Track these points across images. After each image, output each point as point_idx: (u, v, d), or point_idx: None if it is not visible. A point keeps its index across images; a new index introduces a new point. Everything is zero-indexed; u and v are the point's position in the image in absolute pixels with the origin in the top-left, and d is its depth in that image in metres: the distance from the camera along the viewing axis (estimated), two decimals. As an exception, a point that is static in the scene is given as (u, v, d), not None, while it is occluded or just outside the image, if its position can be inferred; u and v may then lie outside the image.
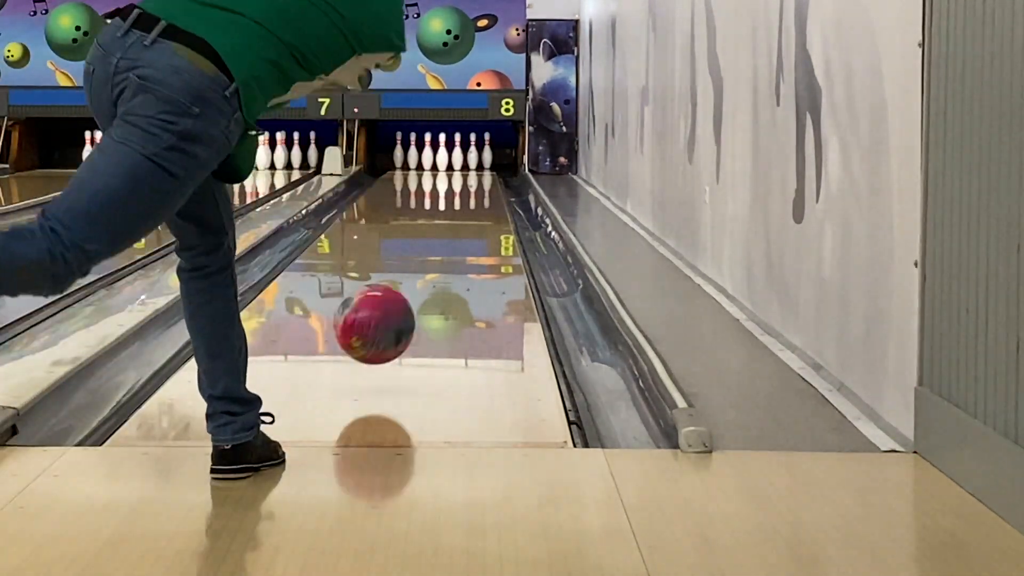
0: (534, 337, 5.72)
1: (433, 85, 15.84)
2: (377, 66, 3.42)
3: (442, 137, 15.91)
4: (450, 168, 15.83)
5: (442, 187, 14.51)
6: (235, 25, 3.06)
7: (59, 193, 3.06)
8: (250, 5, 3.09)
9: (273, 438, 3.41)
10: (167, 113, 2.98)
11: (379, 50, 3.31)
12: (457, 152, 15.92)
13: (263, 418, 3.37)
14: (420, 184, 14.92)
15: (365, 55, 3.30)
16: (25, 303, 6.63)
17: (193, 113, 2.99)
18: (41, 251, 2.91)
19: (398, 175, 15.66)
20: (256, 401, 3.35)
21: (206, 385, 3.34)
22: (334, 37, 3.20)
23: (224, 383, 3.31)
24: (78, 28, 15.78)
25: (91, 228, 2.96)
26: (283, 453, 3.41)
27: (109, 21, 3.12)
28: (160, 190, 3.00)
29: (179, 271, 3.35)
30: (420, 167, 15.93)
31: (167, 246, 7.23)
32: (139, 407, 4.28)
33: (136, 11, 3.08)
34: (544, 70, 15.58)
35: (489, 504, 3.17)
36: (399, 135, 16.04)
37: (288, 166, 15.84)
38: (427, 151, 15.93)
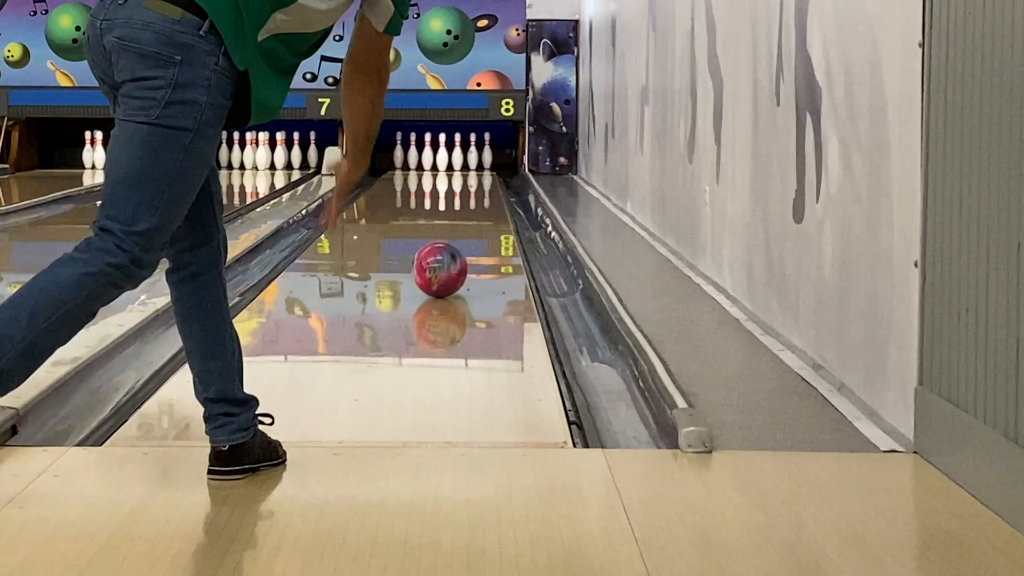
0: (534, 337, 5.72)
1: (433, 85, 15.83)
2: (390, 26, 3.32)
3: (442, 137, 15.90)
4: (450, 168, 15.83)
5: (442, 187, 14.51)
6: None
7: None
8: None
9: (273, 438, 3.41)
10: (150, 69, 3.03)
11: None
12: (457, 152, 15.92)
13: (262, 419, 3.37)
14: (420, 184, 14.92)
15: None
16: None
17: (175, 61, 3.03)
18: (97, 257, 3.04)
19: (398, 175, 15.66)
20: (252, 401, 3.35)
21: (200, 388, 3.32)
22: None
23: (218, 385, 3.29)
24: (78, 28, 15.77)
25: (134, 210, 3.04)
26: (284, 453, 3.41)
27: None
28: (179, 147, 3.06)
29: (167, 274, 3.33)
30: (420, 167, 15.92)
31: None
32: (139, 407, 4.28)
33: None
34: (544, 70, 15.58)
35: (489, 504, 3.17)
36: (399, 135, 16.04)
37: (288, 166, 15.84)
38: (427, 151, 15.93)
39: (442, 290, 6.31)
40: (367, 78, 3.46)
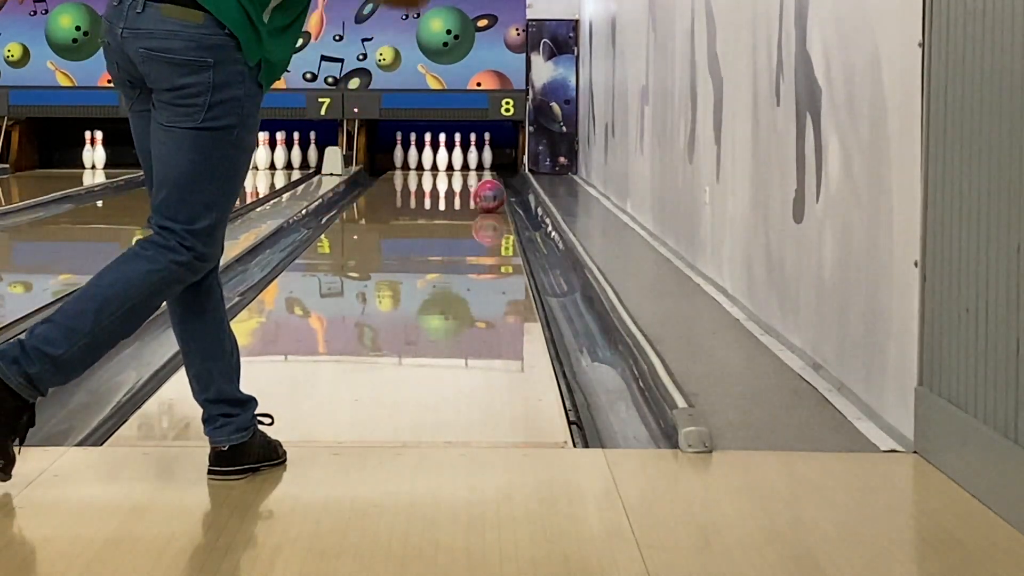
0: (534, 337, 5.72)
1: (433, 85, 15.83)
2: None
3: (442, 137, 15.90)
4: (450, 168, 15.83)
5: (442, 187, 14.51)
6: None
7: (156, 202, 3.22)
8: None
9: (273, 438, 3.41)
10: (186, 77, 3.08)
11: None
12: (457, 152, 15.92)
13: (261, 419, 3.37)
14: (420, 184, 14.92)
15: None
16: (25, 302, 6.63)
17: (209, 64, 3.08)
18: (161, 255, 3.13)
19: (398, 175, 15.66)
20: (251, 402, 3.35)
21: (198, 390, 3.33)
22: None
23: (217, 386, 3.30)
24: (78, 28, 15.77)
25: (193, 209, 3.14)
26: (284, 452, 3.41)
27: None
28: (228, 144, 3.14)
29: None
30: (420, 167, 15.92)
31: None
32: (139, 407, 4.28)
33: None
34: (544, 70, 15.58)
35: (489, 504, 3.17)
36: (399, 135, 16.04)
37: (288, 166, 15.84)
38: (427, 151, 15.93)
39: (484, 209, 10.74)
40: None
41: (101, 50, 3.28)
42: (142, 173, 3.35)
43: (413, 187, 14.73)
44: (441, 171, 15.77)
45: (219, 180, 3.16)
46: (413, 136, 16.00)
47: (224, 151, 3.14)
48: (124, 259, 3.16)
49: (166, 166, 3.15)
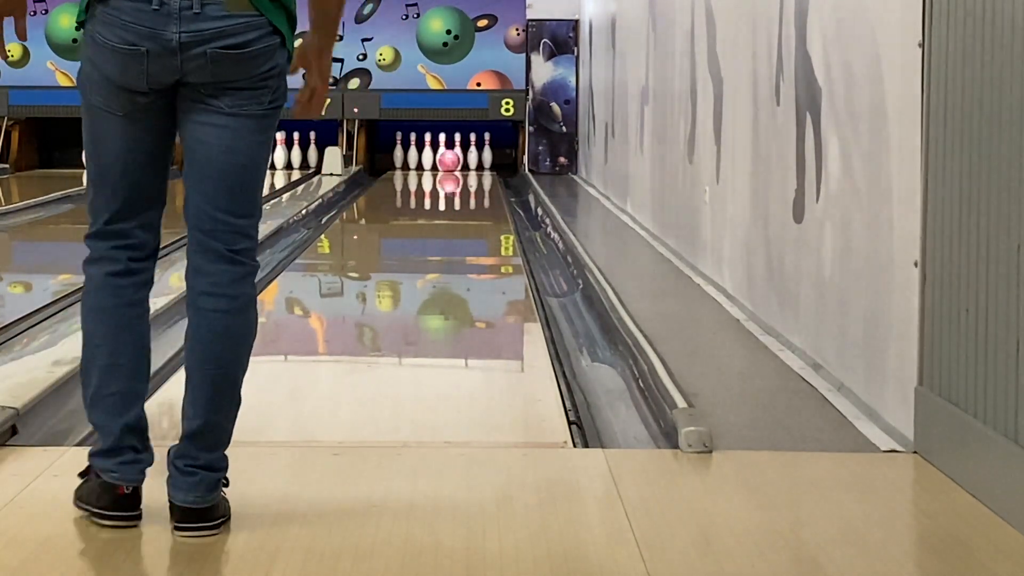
0: (534, 337, 5.72)
1: (433, 85, 15.84)
2: None
3: (442, 137, 15.91)
4: (451, 168, 15.84)
5: (442, 187, 14.51)
6: None
7: (219, 212, 2.99)
8: None
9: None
10: (263, 64, 2.95)
11: None
12: (457, 152, 15.92)
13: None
14: (420, 184, 14.92)
15: None
16: (25, 302, 6.63)
17: (276, 46, 2.97)
18: (248, 277, 3.00)
19: (398, 175, 15.66)
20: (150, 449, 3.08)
21: (118, 412, 3.00)
22: None
23: (138, 412, 3.02)
24: (78, 28, 15.77)
25: (257, 200, 3.08)
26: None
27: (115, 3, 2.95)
28: (275, 128, 3.10)
29: (119, 276, 3.05)
30: (420, 167, 15.93)
31: (166, 246, 7.22)
32: (139, 407, 4.27)
33: None
34: (544, 70, 15.58)
35: (489, 504, 3.17)
36: (399, 135, 16.04)
37: (288, 166, 15.84)
38: (427, 151, 15.94)
39: None
40: None
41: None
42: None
43: (413, 187, 14.73)
44: (441, 171, 15.78)
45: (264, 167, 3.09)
46: (413, 136, 16.00)
47: (273, 135, 3.08)
48: (244, 309, 2.96)
49: (233, 156, 2.98)
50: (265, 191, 13.93)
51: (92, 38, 2.98)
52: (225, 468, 2.97)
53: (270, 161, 3.14)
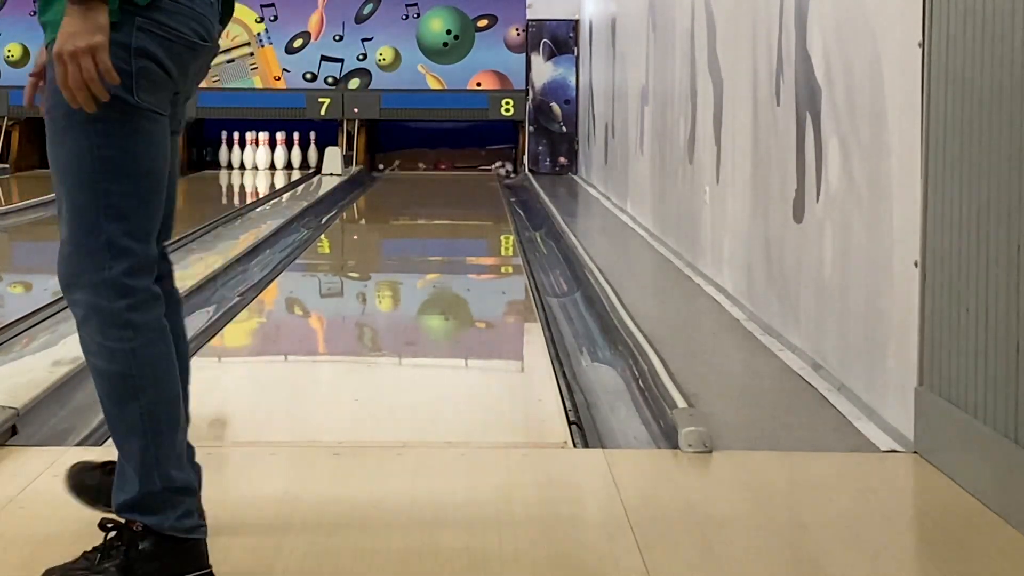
0: (534, 337, 5.72)
1: (433, 85, 15.84)
2: None
3: (441, 137, 15.91)
4: (450, 168, 15.84)
5: (442, 187, 14.51)
6: None
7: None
8: None
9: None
10: None
11: None
12: (457, 152, 15.92)
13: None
14: (420, 184, 14.92)
15: None
16: (25, 302, 6.63)
17: None
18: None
19: (398, 175, 15.66)
20: None
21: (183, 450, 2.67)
22: None
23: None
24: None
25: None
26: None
27: None
28: None
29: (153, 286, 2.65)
30: (419, 167, 15.93)
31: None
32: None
33: None
34: (544, 70, 15.58)
35: (489, 504, 3.16)
36: (399, 135, 16.05)
37: (288, 166, 15.85)
38: (423, 151, 15.94)
39: None
40: None
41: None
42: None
43: (413, 187, 14.73)
44: (440, 171, 15.78)
45: None
46: (413, 136, 16.01)
47: None
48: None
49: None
50: (265, 191, 13.87)
51: (152, 31, 2.53)
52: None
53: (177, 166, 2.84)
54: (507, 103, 15.56)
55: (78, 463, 2.95)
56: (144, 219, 2.58)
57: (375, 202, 13.19)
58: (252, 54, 16.00)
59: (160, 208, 2.63)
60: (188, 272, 6.66)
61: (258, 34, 16.03)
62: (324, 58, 15.89)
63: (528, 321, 6.24)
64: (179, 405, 2.61)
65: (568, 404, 4.33)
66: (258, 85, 15.86)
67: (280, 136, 15.74)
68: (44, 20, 2.57)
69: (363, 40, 15.97)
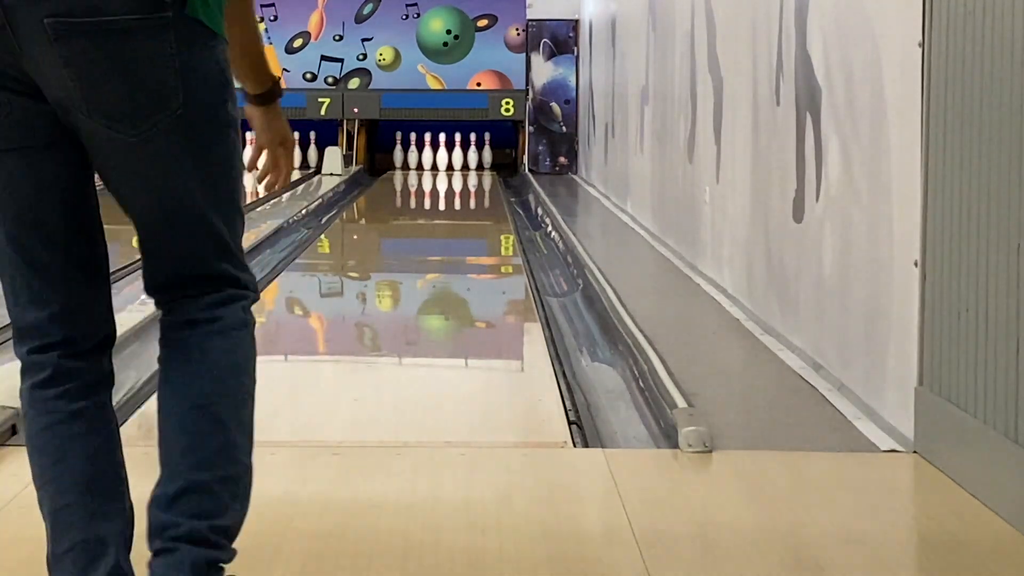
0: (534, 337, 5.72)
1: (433, 85, 15.83)
2: None
3: (442, 137, 15.91)
4: (450, 168, 15.84)
5: (442, 187, 14.51)
6: None
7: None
8: None
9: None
10: None
11: None
12: (457, 152, 15.93)
13: None
14: (420, 184, 14.92)
15: None
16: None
17: None
18: (252, 323, 2.26)
19: (398, 175, 15.66)
20: None
21: (82, 568, 2.15)
22: None
23: (112, 560, 2.17)
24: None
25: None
26: None
27: None
28: None
29: (32, 370, 2.24)
30: (420, 167, 15.93)
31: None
32: (139, 407, 4.28)
33: None
34: (544, 70, 15.58)
35: (489, 504, 3.17)
36: (399, 135, 16.04)
37: (288, 166, 15.83)
38: (427, 151, 15.94)
39: None
40: None
41: None
42: None
43: (413, 187, 14.73)
44: (441, 171, 15.78)
45: None
46: (413, 136, 16.00)
47: None
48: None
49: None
50: (265, 191, 13.96)
51: None
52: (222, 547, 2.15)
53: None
54: (507, 103, 15.56)
55: None
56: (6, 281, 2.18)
57: (375, 202, 13.18)
58: (252, 54, 15.97)
59: (30, 264, 2.14)
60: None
61: (258, 34, 16.01)
62: (324, 58, 15.88)
63: (528, 321, 6.24)
64: (51, 495, 2.22)
65: (568, 404, 4.33)
66: (258, 85, 15.82)
67: (280, 136, 15.73)
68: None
69: (363, 40, 15.97)
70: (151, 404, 4.34)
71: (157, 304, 2.24)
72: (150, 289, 2.23)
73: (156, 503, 2.15)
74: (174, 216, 2.15)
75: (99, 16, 1.98)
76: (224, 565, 2.14)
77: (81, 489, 2.19)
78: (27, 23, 1.98)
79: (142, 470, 3.46)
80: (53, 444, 2.24)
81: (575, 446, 3.83)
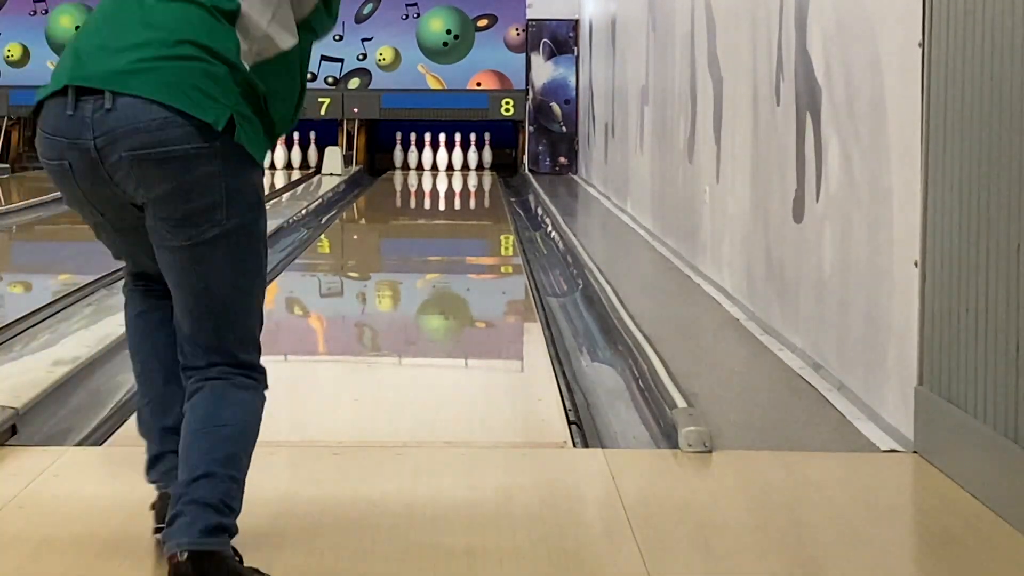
0: (534, 337, 5.72)
1: (433, 85, 15.83)
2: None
3: (442, 137, 15.91)
4: (450, 168, 15.84)
5: (442, 187, 14.51)
6: (146, 60, 2.61)
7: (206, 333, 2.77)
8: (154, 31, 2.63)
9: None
10: (199, 168, 2.68)
11: None
12: (457, 152, 15.92)
13: None
14: (420, 184, 14.92)
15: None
16: (25, 302, 6.63)
17: (210, 152, 2.67)
18: (261, 394, 2.82)
19: (398, 175, 15.66)
20: None
21: (159, 414, 2.86)
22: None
23: (178, 412, 2.79)
24: (78, 28, 15.78)
25: (256, 328, 2.97)
26: None
27: (41, 113, 2.67)
28: (261, 241, 3.01)
29: (131, 289, 2.97)
30: (420, 167, 15.93)
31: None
32: (139, 407, 4.27)
33: (69, 89, 2.62)
34: (544, 70, 15.58)
35: (489, 504, 3.16)
36: (399, 135, 16.04)
37: (288, 166, 15.85)
38: (427, 151, 15.94)
39: None
40: None
41: None
42: None
43: (413, 187, 14.73)
44: (441, 171, 15.78)
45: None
46: (413, 136, 16.00)
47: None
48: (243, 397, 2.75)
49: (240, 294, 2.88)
50: (265, 191, 13.91)
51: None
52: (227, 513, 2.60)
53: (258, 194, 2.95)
54: (507, 103, 15.56)
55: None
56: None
57: (375, 202, 13.18)
58: (252, 54, 15.98)
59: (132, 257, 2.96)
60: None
61: (258, 34, 16.02)
62: (324, 58, 15.88)
63: (528, 321, 6.24)
64: (139, 362, 2.97)
65: (568, 404, 4.33)
66: (258, 85, 15.84)
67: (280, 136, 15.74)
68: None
69: (363, 40, 15.97)
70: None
71: (186, 379, 2.77)
72: (182, 368, 2.79)
73: (174, 488, 2.62)
74: (208, 310, 2.78)
75: (165, 147, 2.56)
76: (230, 534, 2.58)
77: (156, 363, 2.90)
78: (111, 157, 2.59)
79: (142, 470, 3.47)
80: (140, 328, 2.95)
81: (575, 446, 3.83)
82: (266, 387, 2.84)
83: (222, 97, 2.59)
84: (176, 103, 2.55)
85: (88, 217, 2.85)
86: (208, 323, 2.74)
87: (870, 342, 3.97)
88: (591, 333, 5.86)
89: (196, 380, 2.72)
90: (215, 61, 2.59)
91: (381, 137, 16.17)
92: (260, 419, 2.77)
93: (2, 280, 7.60)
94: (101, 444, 3.83)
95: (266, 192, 12.07)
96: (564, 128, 15.48)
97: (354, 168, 15.13)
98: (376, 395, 4.67)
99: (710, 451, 3.57)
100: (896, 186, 3.76)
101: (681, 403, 3.90)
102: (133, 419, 4.12)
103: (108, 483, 3.38)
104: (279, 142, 15.73)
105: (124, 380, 4.72)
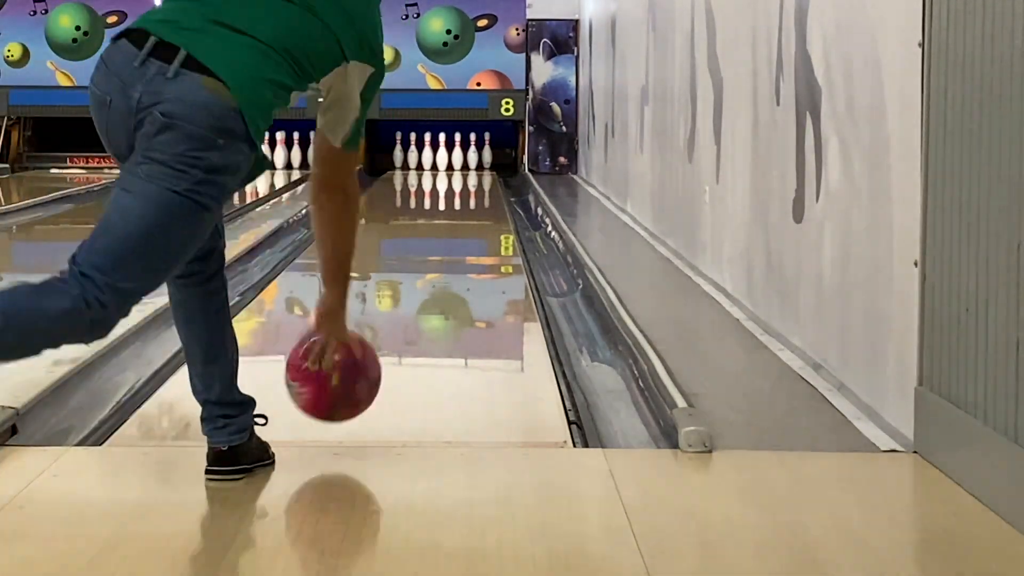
0: (534, 337, 5.72)
1: (433, 85, 15.83)
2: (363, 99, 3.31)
3: (442, 137, 15.91)
4: (450, 168, 15.84)
5: (442, 187, 14.51)
6: (248, 49, 3.01)
7: (86, 238, 2.94)
8: (262, 27, 3.04)
9: (265, 439, 3.41)
10: (195, 149, 2.92)
11: (363, 59, 3.26)
12: (457, 152, 15.92)
13: (257, 420, 3.38)
14: (420, 184, 14.92)
15: (352, 64, 3.23)
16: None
17: (218, 146, 2.94)
18: (75, 299, 2.87)
19: (398, 175, 15.66)
20: (250, 403, 3.36)
21: (201, 389, 3.33)
22: (331, 49, 3.18)
23: (219, 387, 3.30)
24: (78, 28, 15.78)
25: (127, 268, 2.91)
26: (273, 454, 3.41)
27: (117, 42, 3.04)
28: (193, 222, 2.97)
29: (174, 279, 3.26)
30: (420, 167, 15.93)
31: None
32: (139, 407, 4.28)
33: (152, 38, 2.99)
34: (544, 70, 15.58)
35: (489, 503, 3.17)
36: (399, 135, 16.04)
37: (288, 166, 15.85)
38: (427, 151, 15.93)
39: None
40: (331, 195, 3.41)
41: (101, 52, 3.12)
42: None
43: (413, 187, 14.73)
44: (441, 171, 15.78)
45: (165, 252, 2.99)
46: (413, 136, 16.00)
47: (188, 227, 2.99)
48: (46, 291, 2.89)
49: (123, 214, 2.94)
50: (265, 191, 13.86)
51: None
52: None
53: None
54: (507, 103, 15.56)
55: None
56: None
57: (375, 202, 13.18)
58: (252, 54, 15.98)
59: None
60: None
61: (258, 34, 16.02)
62: (324, 58, 15.89)
63: (528, 321, 6.24)
64: (183, 341, 3.44)
65: (568, 404, 4.33)
66: (258, 85, 15.83)
67: (280, 136, 15.74)
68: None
69: (363, 40, 15.96)
70: (151, 404, 4.36)
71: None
72: None
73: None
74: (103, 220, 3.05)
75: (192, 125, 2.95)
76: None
77: (196, 346, 3.33)
78: (145, 112, 2.98)
79: (142, 470, 3.47)
80: (179, 317, 3.34)
81: (575, 446, 3.83)
82: (88, 309, 2.90)
83: (264, 124, 3.07)
84: (222, 95, 2.96)
85: (107, 148, 3.12)
86: (103, 238, 2.96)
87: (870, 342, 3.97)
88: (591, 333, 5.86)
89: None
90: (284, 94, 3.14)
91: (381, 137, 16.16)
92: (42, 319, 2.93)
93: (2, 280, 7.60)
94: (101, 444, 3.83)
95: (266, 192, 11.99)
96: (564, 128, 15.48)
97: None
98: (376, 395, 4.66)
99: (710, 451, 3.57)
100: (896, 186, 3.76)
101: (681, 403, 3.90)
102: (133, 419, 4.14)
103: (108, 483, 3.38)
104: (280, 142, 15.76)
105: (124, 380, 4.73)
